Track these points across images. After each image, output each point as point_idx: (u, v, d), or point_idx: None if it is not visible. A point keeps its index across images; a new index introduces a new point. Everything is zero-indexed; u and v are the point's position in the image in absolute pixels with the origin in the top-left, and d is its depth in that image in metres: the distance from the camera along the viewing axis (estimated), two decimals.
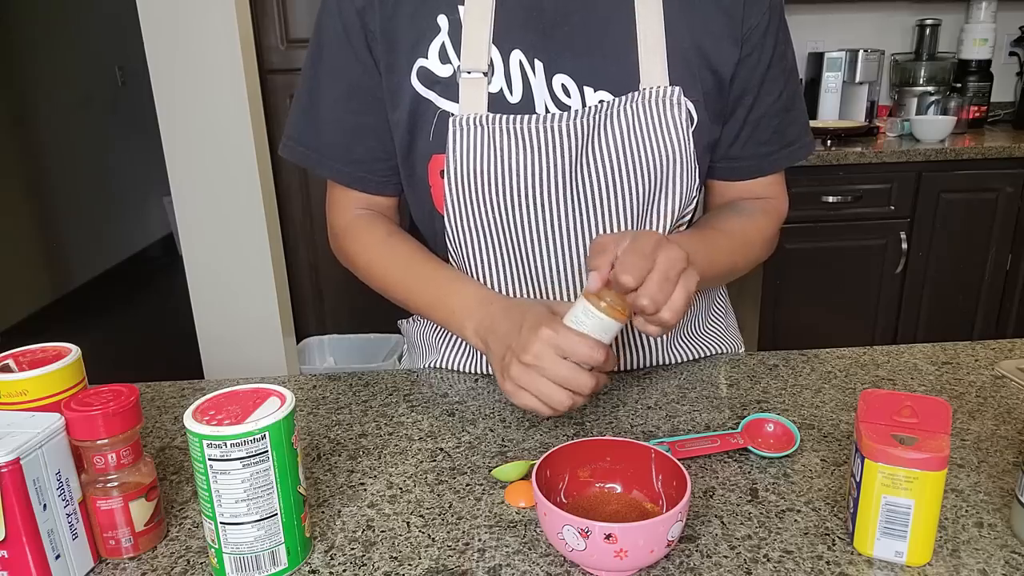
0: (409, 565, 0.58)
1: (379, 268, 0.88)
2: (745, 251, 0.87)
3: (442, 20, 0.80)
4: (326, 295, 2.92)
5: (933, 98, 2.69)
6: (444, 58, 0.80)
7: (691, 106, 0.80)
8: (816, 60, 2.74)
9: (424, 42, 0.80)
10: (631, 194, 0.80)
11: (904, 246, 2.42)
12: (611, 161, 0.79)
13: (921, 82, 2.79)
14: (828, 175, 2.34)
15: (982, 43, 2.73)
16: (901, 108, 2.81)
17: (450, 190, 0.80)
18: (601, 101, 0.79)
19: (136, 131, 4.41)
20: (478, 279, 0.85)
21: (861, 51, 2.69)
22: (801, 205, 2.35)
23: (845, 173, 2.35)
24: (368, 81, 0.84)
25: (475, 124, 0.78)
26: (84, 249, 4.12)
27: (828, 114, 2.74)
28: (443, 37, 0.80)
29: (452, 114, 0.79)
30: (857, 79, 2.71)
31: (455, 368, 0.93)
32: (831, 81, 2.70)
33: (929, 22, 2.77)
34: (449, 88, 0.80)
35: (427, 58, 0.80)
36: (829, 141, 2.49)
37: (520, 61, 0.79)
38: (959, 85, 2.77)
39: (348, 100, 0.85)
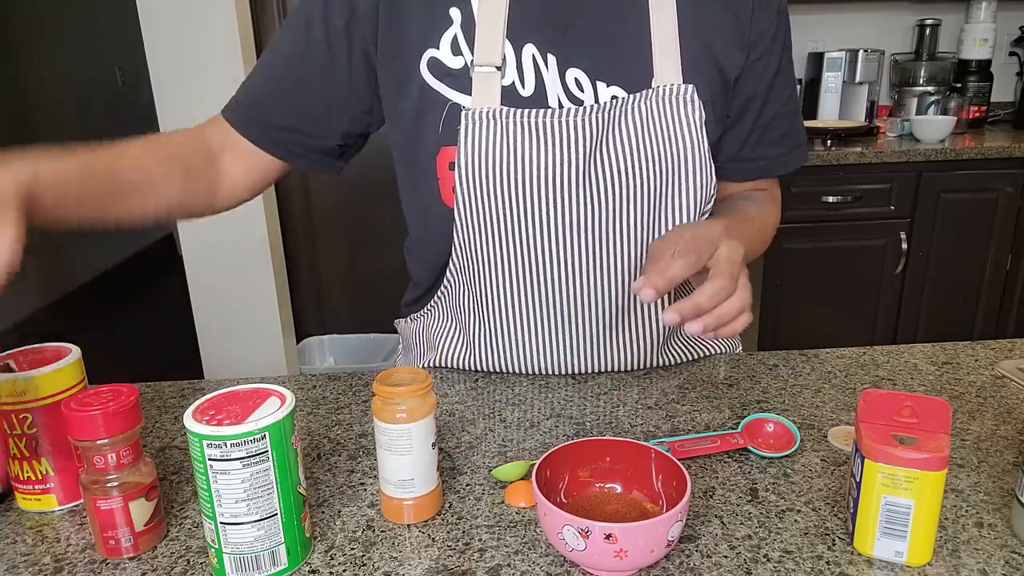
0: (409, 565, 0.58)
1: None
2: (763, 237, 0.92)
3: (455, 13, 0.80)
4: (326, 295, 2.91)
5: (933, 98, 2.69)
6: (456, 50, 0.80)
7: (702, 105, 0.81)
8: (816, 60, 2.74)
9: (436, 33, 0.80)
10: (642, 191, 0.80)
11: (904, 246, 2.42)
12: (624, 158, 0.79)
13: (921, 82, 2.79)
14: (828, 175, 2.34)
15: (982, 43, 2.72)
16: (901, 108, 2.81)
17: (461, 183, 0.80)
18: (614, 96, 0.80)
19: (136, 131, 4.40)
20: (487, 272, 0.85)
21: (861, 51, 2.69)
22: (801, 205, 2.35)
23: (845, 173, 2.35)
24: (328, 55, 0.82)
25: (488, 118, 0.78)
26: (84, 249, 4.11)
27: (828, 114, 2.74)
28: (455, 29, 0.80)
29: (463, 107, 0.79)
30: (857, 79, 2.71)
31: (454, 365, 0.93)
32: (831, 81, 2.70)
33: (929, 22, 2.77)
34: (460, 80, 0.80)
35: (438, 49, 0.80)
36: (829, 141, 2.49)
37: (533, 55, 0.79)
38: (959, 85, 2.77)
39: (297, 64, 0.84)
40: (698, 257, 0.65)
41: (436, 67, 0.80)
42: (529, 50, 0.79)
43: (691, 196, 0.82)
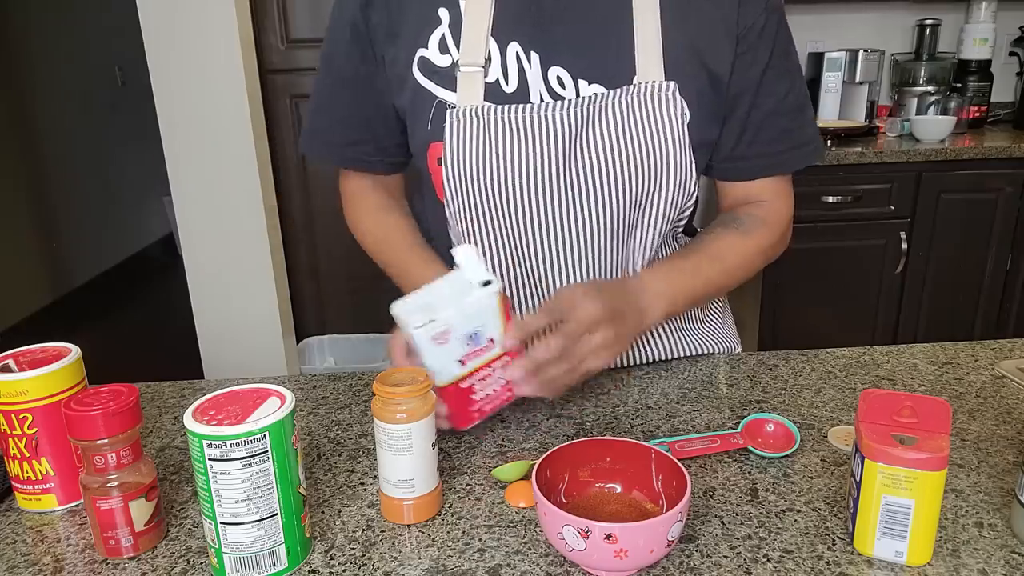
0: (409, 565, 0.58)
1: (371, 238, 0.96)
2: (737, 271, 0.88)
3: (443, 13, 0.82)
4: (326, 295, 2.91)
5: (933, 98, 2.69)
6: (444, 49, 0.82)
7: (684, 103, 0.80)
8: (816, 60, 2.74)
9: (425, 33, 0.82)
10: (626, 186, 0.81)
11: (904, 246, 2.42)
12: (605, 151, 0.80)
13: (921, 82, 2.79)
14: (828, 175, 2.34)
15: (982, 43, 2.72)
16: (901, 108, 2.81)
17: (448, 179, 0.82)
18: (596, 94, 0.80)
19: (136, 131, 4.41)
20: None
21: (861, 51, 2.68)
22: (801, 205, 2.31)
23: (845, 173, 2.35)
24: (364, 70, 0.87)
25: (471, 116, 0.80)
26: (84, 249, 4.11)
27: (828, 114, 2.74)
28: (443, 29, 0.82)
29: (450, 104, 0.81)
30: (857, 79, 2.71)
31: None
32: (831, 81, 2.70)
33: (929, 22, 2.77)
34: (447, 79, 0.81)
35: (427, 48, 0.82)
36: (829, 141, 2.49)
37: (517, 53, 0.81)
38: (959, 85, 2.76)
39: (342, 88, 0.90)
40: (548, 315, 0.71)
41: (425, 66, 0.82)
42: (513, 48, 0.81)
43: (670, 193, 0.82)
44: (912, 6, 2.82)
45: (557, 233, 0.83)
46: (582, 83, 0.80)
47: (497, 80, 0.81)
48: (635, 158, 0.80)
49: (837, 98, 2.72)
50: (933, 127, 2.49)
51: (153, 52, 2.26)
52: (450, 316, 0.68)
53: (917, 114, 2.70)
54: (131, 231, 4.60)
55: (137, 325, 3.77)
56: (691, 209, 0.87)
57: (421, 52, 0.82)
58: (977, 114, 2.75)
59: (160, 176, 2.50)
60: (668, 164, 0.81)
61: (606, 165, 0.80)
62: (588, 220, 0.82)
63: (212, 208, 2.38)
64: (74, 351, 0.67)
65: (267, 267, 2.48)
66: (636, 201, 0.82)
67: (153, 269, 4.57)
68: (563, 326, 0.70)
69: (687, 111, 0.81)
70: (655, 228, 0.85)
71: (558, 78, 0.80)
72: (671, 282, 0.81)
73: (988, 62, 2.76)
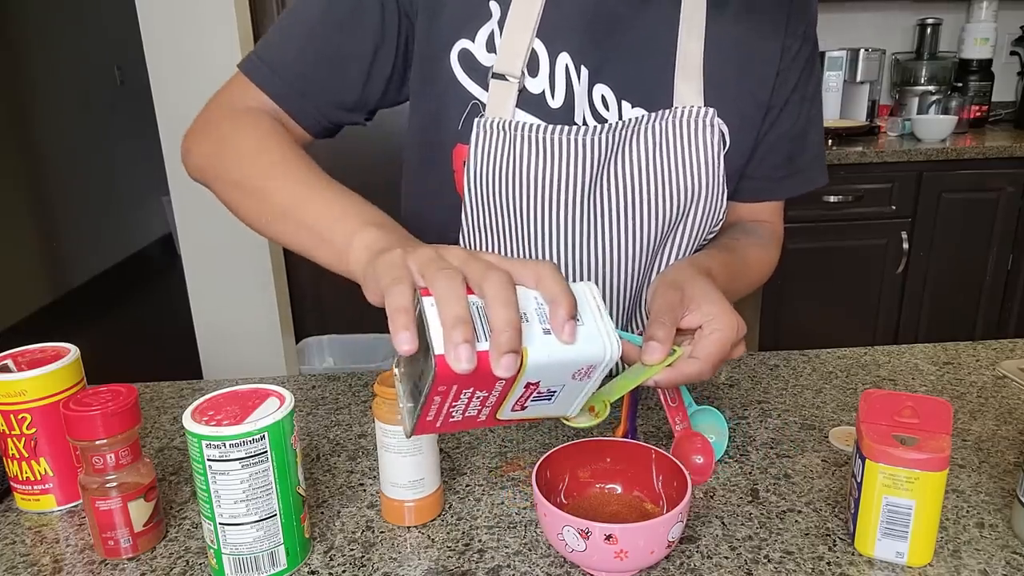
0: (408, 566, 0.58)
1: (263, 161, 0.73)
2: (753, 282, 0.86)
3: (494, 7, 0.77)
4: (326, 295, 2.91)
5: (934, 97, 2.69)
6: (491, 47, 0.77)
7: (724, 128, 0.79)
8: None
9: (472, 24, 0.77)
10: (653, 215, 0.79)
11: (905, 246, 2.42)
12: (633, 179, 0.78)
13: (922, 81, 2.79)
14: (829, 174, 2.33)
15: (983, 42, 2.72)
16: (902, 107, 2.81)
17: (469, 188, 0.79)
18: (630, 119, 0.78)
19: (135, 131, 4.41)
20: None
21: (862, 50, 2.68)
22: (801, 205, 2.34)
23: (846, 173, 2.35)
24: (387, 22, 0.77)
25: (498, 129, 0.76)
26: (84, 249, 4.11)
27: (829, 114, 2.73)
28: (493, 25, 0.77)
29: (482, 106, 0.77)
30: (858, 78, 2.71)
31: None
32: (832, 80, 2.70)
33: (930, 21, 2.77)
34: (488, 79, 0.77)
35: (473, 42, 0.77)
36: (830, 141, 2.49)
37: (567, 64, 0.77)
38: (960, 84, 2.76)
39: (342, 30, 0.77)
40: (672, 315, 0.63)
41: (466, 60, 0.77)
42: (563, 59, 0.77)
43: (698, 221, 0.80)
44: (913, 5, 2.82)
45: (578, 257, 0.81)
46: (625, 105, 0.78)
47: (543, 92, 0.77)
48: (665, 188, 0.78)
49: (838, 97, 2.72)
50: (934, 127, 2.49)
51: (152, 51, 2.26)
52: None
53: (918, 113, 2.69)
54: (130, 231, 4.60)
55: (136, 325, 3.77)
56: (716, 233, 0.85)
57: (465, 44, 0.76)
58: (978, 114, 2.75)
59: (159, 176, 2.50)
60: (700, 194, 0.78)
61: (633, 194, 0.78)
62: (610, 246, 0.80)
63: (211, 208, 2.36)
64: (73, 351, 0.66)
65: (266, 267, 2.48)
66: (661, 230, 0.80)
67: (152, 269, 4.56)
68: (717, 336, 0.64)
69: (727, 138, 0.79)
70: (679, 254, 0.83)
71: (602, 97, 0.77)
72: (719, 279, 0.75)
73: (989, 61, 2.76)
